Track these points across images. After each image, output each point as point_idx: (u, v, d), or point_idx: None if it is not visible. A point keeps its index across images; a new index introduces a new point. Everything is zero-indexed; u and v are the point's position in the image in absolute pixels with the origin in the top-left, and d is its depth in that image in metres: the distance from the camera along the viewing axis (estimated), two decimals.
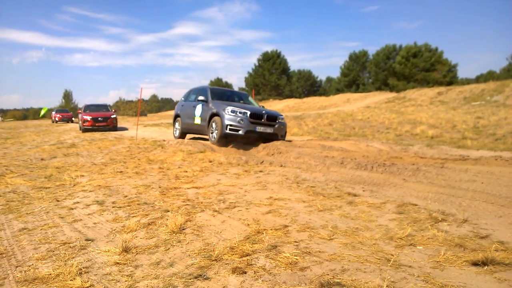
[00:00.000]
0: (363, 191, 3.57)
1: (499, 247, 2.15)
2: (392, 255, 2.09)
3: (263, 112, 8.68)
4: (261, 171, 4.91)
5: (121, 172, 5.32)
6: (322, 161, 4.95)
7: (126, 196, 3.73)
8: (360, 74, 54.21)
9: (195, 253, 2.23)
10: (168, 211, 3.12)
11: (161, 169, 5.41)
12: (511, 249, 2.13)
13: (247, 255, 2.14)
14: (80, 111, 18.36)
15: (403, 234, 2.40)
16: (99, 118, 16.68)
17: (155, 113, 54.44)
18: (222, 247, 2.29)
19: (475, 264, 1.94)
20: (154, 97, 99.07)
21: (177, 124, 11.31)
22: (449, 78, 41.91)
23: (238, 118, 8.27)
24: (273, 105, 39.09)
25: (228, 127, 8.24)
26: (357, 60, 55.09)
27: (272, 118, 8.73)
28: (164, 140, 10.81)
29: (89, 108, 18.42)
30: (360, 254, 2.11)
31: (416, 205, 3.04)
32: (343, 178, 4.13)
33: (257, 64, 55.46)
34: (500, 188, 3.27)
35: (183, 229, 2.64)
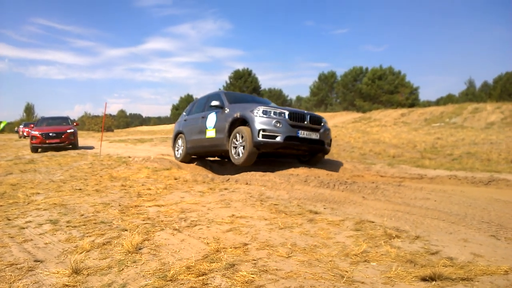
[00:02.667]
0: (324, 208, 3.63)
1: (447, 263, 2.24)
2: (347, 271, 2.14)
3: (305, 112, 6.81)
4: (226, 189, 4.89)
5: (80, 189, 5.13)
6: (286, 179, 5.01)
7: (82, 215, 3.60)
8: (329, 94, 55.82)
9: (149, 273, 2.18)
10: (126, 230, 3.04)
11: (123, 187, 5.27)
12: (458, 265, 2.22)
13: (204, 275, 2.11)
14: (32, 126, 14.87)
15: (358, 250, 2.45)
16: (51, 134, 13.44)
17: (123, 129, 53.19)
18: (179, 266, 2.25)
19: (424, 279, 2.01)
20: (122, 112, 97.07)
21: (180, 142, 9.13)
22: (411, 100, 43.96)
23: (274, 121, 6.29)
24: None
25: (261, 133, 6.21)
26: (326, 81, 56.82)
27: (317, 120, 6.89)
28: (129, 157, 10.56)
29: (45, 121, 15.35)
30: (316, 271, 2.14)
31: (373, 222, 3.13)
32: (306, 196, 4.20)
33: (228, 82, 55.88)
34: (452, 206, 3.44)
35: (140, 249, 2.58)
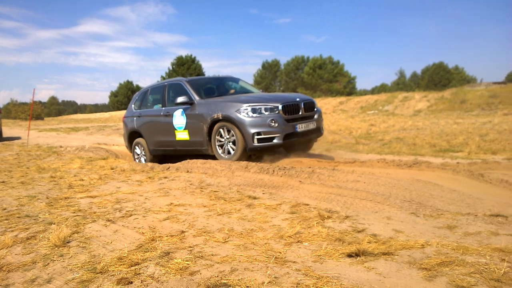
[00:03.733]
0: (263, 193, 3.72)
1: (371, 239, 2.42)
2: (280, 252, 2.22)
3: (297, 99, 5.92)
4: (165, 177, 4.79)
5: (3, 182, 4.71)
6: (228, 166, 5.03)
7: (4, 209, 3.32)
8: (272, 83, 56.58)
9: (78, 267, 2.08)
10: (54, 223, 2.86)
11: (52, 178, 4.94)
12: (381, 241, 2.41)
13: (136, 264, 2.07)
14: None
15: (292, 232, 2.56)
16: None
17: (55, 117, 49.43)
18: (110, 258, 2.18)
19: (349, 255, 2.15)
20: (53, 99, 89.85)
21: (138, 149, 7.72)
22: (349, 89, 46.14)
23: (268, 120, 5.40)
24: None
25: (256, 137, 5.36)
26: (270, 69, 57.44)
27: (311, 106, 6.09)
28: (61, 147, 9.89)
29: None
30: (251, 254, 2.20)
31: (308, 205, 3.27)
32: (246, 182, 4.25)
33: (171, 68, 54.21)
34: (379, 187, 3.70)
35: (68, 242, 2.45)
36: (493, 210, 3.08)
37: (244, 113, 5.51)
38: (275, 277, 1.85)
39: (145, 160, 7.65)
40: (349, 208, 3.17)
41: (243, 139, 5.49)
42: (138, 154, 7.81)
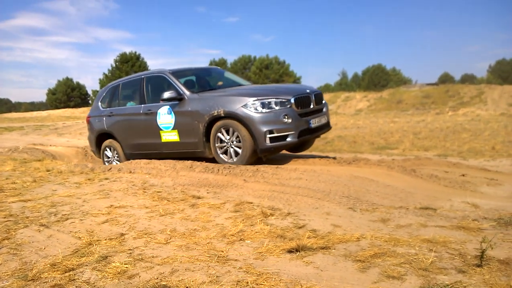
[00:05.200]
0: (207, 193, 3.70)
1: (311, 235, 2.52)
2: (223, 251, 2.23)
3: (308, 91, 5.28)
4: (106, 179, 4.59)
5: None
6: (172, 166, 4.94)
7: None
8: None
9: (8, 275, 1.94)
10: None
11: None
12: (320, 236, 2.51)
13: (71, 270, 1.97)
14: None
15: (235, 230, 2.58)
16: None
17: None
18: (43, 264, 2.05)
19: (290, 251, 2.22)
20: None
21: (109, 151, 6.69)
22: None
23: (281, 115, 4.69)
24: None
25: (269, 136, 4.64)
26: None
27: (320, 98, 5.45)
28: None
29: None
30: (193, 254, 2.18)
31: (251, 203, 3.31)
32: (191, 181, 4.21)
33: (114, 65, 51.74)
34: (319, 184, 3.86)
35: None
36: (423, 203, 3.34)
37: (252, 108, 4.72)
38: (216, 276, 1.86)
39: (115, 162, 6.69)
40: (291, 205, 3.27)
41: (252, 139, 4.72)
42: (109, 157, 6.81)
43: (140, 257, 2.15)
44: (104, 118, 6.70)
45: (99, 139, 6.87)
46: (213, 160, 5.25)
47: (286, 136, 4.74)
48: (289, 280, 1.83)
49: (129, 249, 2.27)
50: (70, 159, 8.08)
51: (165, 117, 5.57)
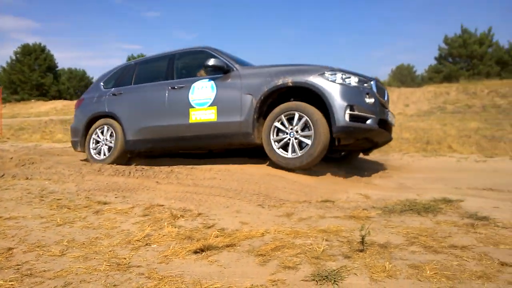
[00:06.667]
0: (116, 197, 3.54)
1: (219, 234, 2.56)
2: (125, 258, 2.15)
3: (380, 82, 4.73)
4: None
5: None
6: (78, 170, 4.60)
7: None
8: None
9: None
10: None
11: None
12: (227, 234, 2.57)
13: None
14: None
15: (141, 235, 2.51)
16: None
17: None
18: None
19: (196, 252, 2.23)
20: None
21: (100, 134, 5.64)
22: None
23: (364, 92, 4.14)
24: (35, 107, 33.54)
25: (348, 113, 3.96)
26: None
27: (383, 91, 4.79)
28: None
29: None
30: (92, 264, 2.07)
31: (162, 205, 3.25)
32: (97, 186, 3.97)
33: (14, 58, 46.19)
34: (232, 183, 3.94)
35: None
36: (324, 197, 3.61)
37: (332, 78, 4.06)
38: (114, 285, 1.79)
39: (106, 152, 5.52)
40: (203, 205, 3.28)
41: (332, 114, 3.96)
42: (99, 142, 5.61)
43: (29, 272, 1.97)
44: (105, 98, 5.74)
45: (91, 123, 5.79)
46: (259, 152, 4.45)
47: (367, 118, 4.11)
48: (191, 281, 1.85)
49: (17, 264, 2.07)
50: None
51: (201, 92, 4.70)
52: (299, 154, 4.13)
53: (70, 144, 9.72)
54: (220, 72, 4.66)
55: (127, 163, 5.51)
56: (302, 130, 4.15)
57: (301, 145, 4.15)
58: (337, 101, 3.96)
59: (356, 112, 4.01)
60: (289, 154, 4.21)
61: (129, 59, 51.73)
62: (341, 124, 3.96)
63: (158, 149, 5.32)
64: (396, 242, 2.24)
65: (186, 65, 5.44)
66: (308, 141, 4.08)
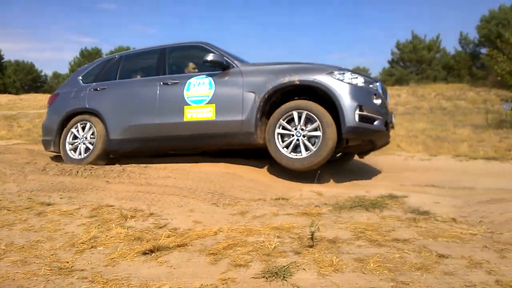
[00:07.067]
0: (61, 198, 3.35)
1: (170, 234, 2.51)
2: (68, 262, 2.05)
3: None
4: None
5: None
6: (20, 169, 4.31)
7: None
8: None
9: None
10: None
11: None
12: (179, 233, 2.53)
13: None
14: None
15: (87, 238, 2.40)
16: None
17: None
18: None
19: (145, 253, 2.17)
20: None
21: (80, 130, 5.12)
22: None
23: (372, 93, 4.10)
24: None
25: (357, 113, 3.87)
26: (90, 58, 52.07)
27: (386, 92, 4.76)
28: None
29: None
30: (31, 269, 1.95)
31: (112, 206, 3.13)
32: (41, 186, 3.74)
33: None
34: (187, 181, 3.88)
35: None
36: (279, 195, 3.66)
37: (341, 77, 3.99)
38: None
39: (84, 151, 5.00)
40: (156, 205, 3.20)
41: (342, 113, 3.86)
42: (76, 139, 5.11)
43: None
44: (85, 93, 5.24)
45: (68, 120, 5.24)
46: (262, 152, 4.27)
47: (374, 119, 4.04)
48: (138, 284, 1.79)
49: None
50: None
51: (198, 89, 4.44)
52: (305, 155, 3.98)
53: (15, 141, 9.11)
54: (219, 68, 4.46)
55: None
56: (310, 130, 4.02)
57: (306, 146, 4.03)
58: (347, 101, 3.88)
59: (365, 113, 3.94)
60: (295, 157, 4.05)
61: (82, 52, 49.48)
62: (351, 125, 3.87)
63: (145, 149, 4.99)
64: (344, 237, 2.32)
65: (179, 60, 5.19)
66: (316, 142, 3.96)
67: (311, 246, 2.13)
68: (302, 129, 4.04)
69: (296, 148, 4.08)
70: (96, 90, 5.27)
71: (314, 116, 3.96)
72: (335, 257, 1.96)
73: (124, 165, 4.46)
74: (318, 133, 3.94)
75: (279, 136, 4.14)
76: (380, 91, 4.27)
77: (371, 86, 4.17)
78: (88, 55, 51.84)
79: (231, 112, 4.28)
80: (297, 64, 4.27)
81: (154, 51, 5.26)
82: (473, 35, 30.87)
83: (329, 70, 4.06)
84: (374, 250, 2.08)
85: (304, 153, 4.00)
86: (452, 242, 2.24)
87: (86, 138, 5.11)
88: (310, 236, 2.17)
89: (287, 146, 4.10)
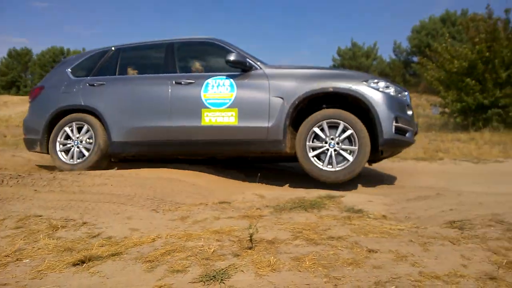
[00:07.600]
0: None
1: (104, 243, 2.39)
2: None
3: None
4: None
5: None
6: None
7: None
8: (22, 75, 47.78)
9: None
10: None
11: None
12: (114, 242, 2.42)
13: None
14: None
15: (11, 250, 2.21)
16: None
17: None
18: None
19: (75, 264, 2.05)
20: None
21: (75, 131, 4.62)
22: None
23: (406, 104, 4.05)
24: None
25: (394, 124, 3.76)
26: (19, 59, 48.22)
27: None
28: None
29: None
30: None
31: (40, 216, 2.91)
32: None
33: None
34: (125, 188, 3.72)
35: None
36: (221, 198, 3.65)
37: (376, 86, 3.84)
38: None
39: (76, 155, 4.56)
40: (89, 213, 3.03)
41: (379, 125, 3.73)
42: (69, 141, 4.63)
43: None
44: (79, 89, 4.68)
45: (58, 119, 4.69)
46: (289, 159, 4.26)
47: (406, 131, 3.96)
48: None
49: None
50: None
51: (217, 90, 4.10)
52: (337, 169, 3.86)
53: None
54: (239, 69, 4.17)
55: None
56: (342, 140, 3.89)
57: (343, 157, 3.90)
58: (384, 112, 3.77)
59: (400, 124, 3.87)
60: (324, 166, 3.91)
61: (10, 52, 45.66)
62: (388, 137, 3.79)
63: (152, 153, 4.70)
64: (283, 238, 2.37)
65: (189, 56, 4.85)
66: (349, 156, 3.86)
67: (250, 248, 2.15)
68: (337, 141, 3.90)
69: (322, 157, 3.95)
70: (93, 85, 4.74)
71: (352, 129, 3.85)
72: (272, 257, 2.00)
73: (55, 173, 4.17)
74: (355, 148, 3.84)
75: (310, 147, 3.97)
76: (409, 101, 4.25)
77: (400, 95, 4.09)
78: (17, 56, 47.93)
79: (256, 117, 4.05)
80: (329, 70, 4.25)
81: (160, 45, 4.84)
82: (406, 44, 33.22)
83: (363, 78, 3.98)
84: (311, 249, 2.16)
85: (336, 166, 3.88)
86: (382, 237, 2.39)
87: (81, 141, 4.66)
88: (249, 238, 2.19)
89: (317, 156, 3.96)
